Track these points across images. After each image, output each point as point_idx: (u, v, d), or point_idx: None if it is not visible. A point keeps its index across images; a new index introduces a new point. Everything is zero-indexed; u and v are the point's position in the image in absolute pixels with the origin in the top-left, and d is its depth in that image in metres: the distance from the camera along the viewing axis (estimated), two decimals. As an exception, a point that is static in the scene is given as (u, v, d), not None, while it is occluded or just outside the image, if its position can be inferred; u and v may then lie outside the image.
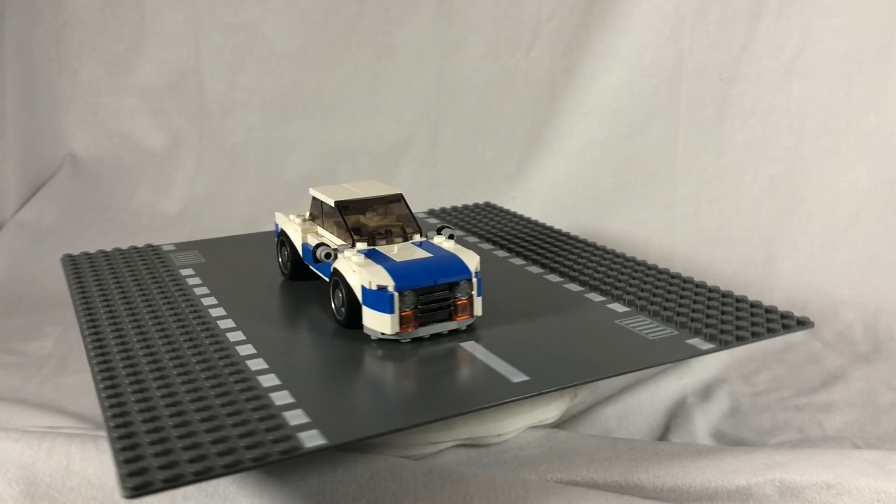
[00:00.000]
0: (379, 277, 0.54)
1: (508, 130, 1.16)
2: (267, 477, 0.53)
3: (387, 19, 1.20)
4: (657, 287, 0.66)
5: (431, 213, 0.91)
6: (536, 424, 0.62)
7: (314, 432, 0.43)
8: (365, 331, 0.56)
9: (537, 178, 1.12)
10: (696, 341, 0.56)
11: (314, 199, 0.66)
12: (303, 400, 0.47)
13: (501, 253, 0.76)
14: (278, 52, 1.23)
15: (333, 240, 0.62)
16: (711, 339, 0.57)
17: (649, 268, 0.71)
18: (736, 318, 0.59)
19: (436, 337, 0.56)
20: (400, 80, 1.21)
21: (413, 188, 1.15)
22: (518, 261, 0.74)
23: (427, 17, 1.18)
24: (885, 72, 0.97)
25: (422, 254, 0.58)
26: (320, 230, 0.66)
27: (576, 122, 1.10)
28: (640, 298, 0.63)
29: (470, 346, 0.55)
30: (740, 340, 0.57)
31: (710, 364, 0.77)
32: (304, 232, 0.66)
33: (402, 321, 0.54)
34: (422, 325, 0.55)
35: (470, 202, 0.97)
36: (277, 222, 0.71)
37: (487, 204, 0.95)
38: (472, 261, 0.57)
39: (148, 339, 0.55)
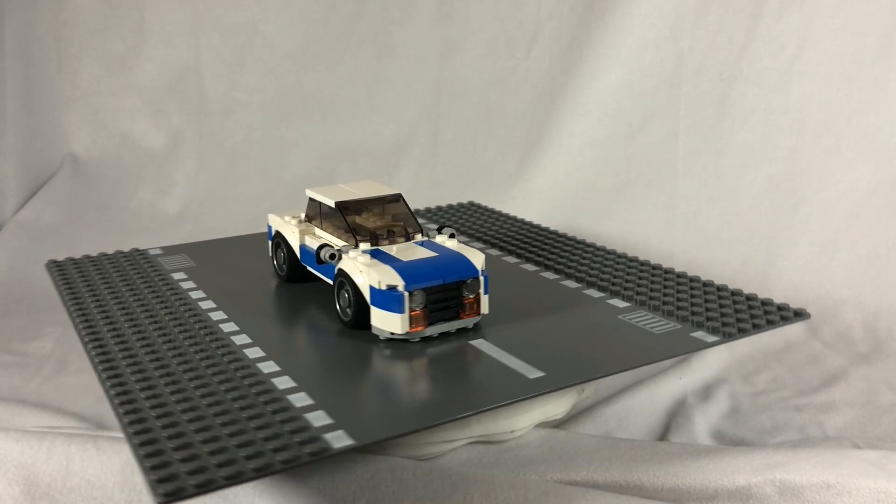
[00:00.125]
0: (388, 277, 0.54)
1: (508, 130, 1.16)
2: (267, 477, 0.53)
3: (387, 19, 1.20)
4: (653, 282, 0.67)
5: (416, 213, 0.91)
6: (546, 420, 0.62)
7: (340, 433, 0.43)
8: (373, 331, 0.56)
9: (537, 178, 1.12)
10: (700, 334, 0.57)
11: (311, 200, 0.66)
12: (322, 401, 0.47)
13: (493, 251, 0.77)
14: (278, 52, 1.23)
15: (334, 241, 0.62)
16: (715, 331, 0.57)
17: (642, 263, 0.71)
18: (735, 311, 0.60)
19: (443, 335, 0.56)
20: (400, 80, 1.21)
21: (413, 188, 1.15)
22: (511, 259, 0.75)
23: (427, 17, 1.19)
24: (885, 72, 0.97)
25: (427, 253, 0.58)
26: (318, 231, 0.65)
27: (576, 122, 1.10)
28: (638, 294, 0.64)
29: (479, 343, 0.55)
30: (742, 332, 0.57)
31: (710, 364, 0.78)
32: (302, 233, 0.66)
33: (412, 320, 0.54)
34: (430, 323, 0.55)
35: (470, 202, 0.97)
36: (271, 224, 0.70)
37: (472, 203, 0.95)
38: (478, 259, 0.57)
39: (151, 344, 0.55)
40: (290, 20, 1.22)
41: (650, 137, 1.08)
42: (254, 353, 0.54)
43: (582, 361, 0.53)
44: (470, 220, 0.88)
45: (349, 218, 0.61)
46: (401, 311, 0.54)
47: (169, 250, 0.77)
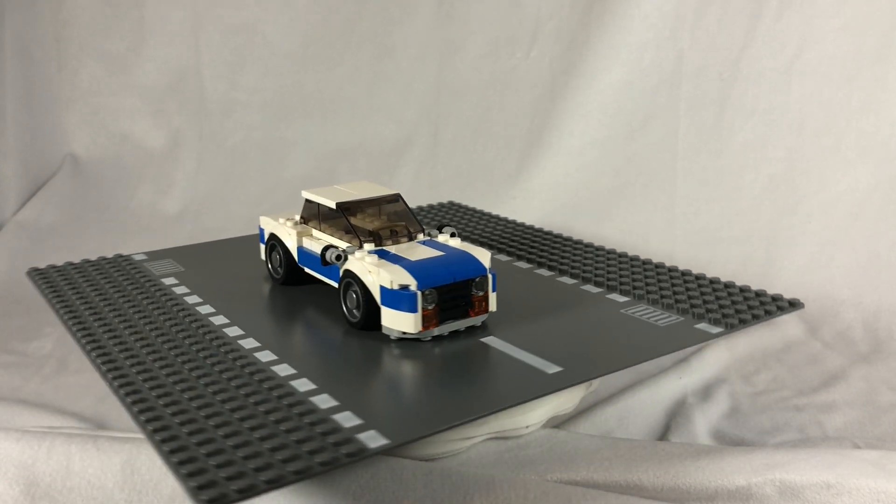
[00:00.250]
0: (400, 277, 0.54)
1: (508, 130, 1.16)
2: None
3: (387, 19, 1.20)
4: (647, 277, 0.67)
5: None
6: (557, 414, 0.63)
7: (372, 433, 0.43)
8: (384, 331, 0.56)
9: (537, 178, 1.12)
10: (704, 326, 0.58)
11: (307, 201, 0.66)
12: (347, 402, 0.46)
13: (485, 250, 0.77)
14: (278, 52, 1.23)
15: (335, 242, 0.62)
16: (717, 322, 0.58)
17: (633, 259, 0.72)
18: (732, 303, 0.61)
19: (453, 334, 0.56)
20: (400, 80, 1.21)
21: (413, 188, 1.15)
22: (503, 257, 0.75)
23: (427, 17, 1.19)
24: (885, 72, 0.97)
25: (433, 252, 0.58)
26: (316, 233, 0.65)
27: (576, 122, 1.10)
28: (636, 288, 0.65)
29: (490, 341, 0.56)
30: (743, 323, 0.58)
31: (710, 364, 0.77)
32: (300, 235, 0.65)
33: (424, 319, 0.54)
34: (441, 322, 0.55)
35: (470, 202, 0.97)
36: (263, 226, 0.70)
37: (451, 203, 0.95)
38: (485, 257, 0.58)
39: (157, 351, 0.54)
40: (290, 20, 1.22)
41: (650, 137, 1.08)
42: (265, 356, 0.53)
43: (597, 355, 0.54)
44: (454, 219, 0.88)
45: (351, 219, 0.61)
46: (414, 310, 0.54)
47: (153, 255, 0.76)
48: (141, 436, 0.61)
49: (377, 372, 0.53)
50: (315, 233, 0.65)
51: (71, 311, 0.61)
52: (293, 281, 0.67)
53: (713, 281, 0.66)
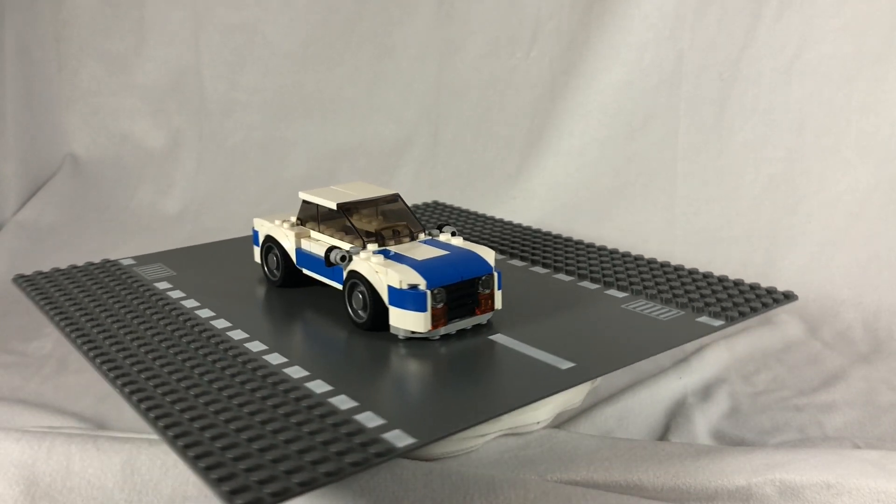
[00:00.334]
0: (409, 276, 0.54)
1: (508, 130, 1.16)
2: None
3: (387, 19, 1.20)
4: (642, 272, 0.68)
5: None
6: (565, 409, 0.63)
7: (397, 432, 0.43)
8: (392, 330, 0.56)
9: (537, 178, 1.12)
10: (705, 319, 0.58)
11: (305, 202, 0.65)
12: (366, 402, 0.46)
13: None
14: (278, 52, 1.23)
15: (336, 243, 0.62)
16: (717, 315, 0.58)
17: (624, 255, 0.73)
18: (729, 297, 0.62)
19: (460, 332, 0.57)
20: (400, 80, 1.21)
21: (413, 188, 1.15)
22: (497, 255, 0.75)
23: (427, 17, 1.19)
24: (885, 72, 0.97)
25: (438, 251, 0.58)
26: (314, 234, 0.64)
27: (576, 122, 1.10)
28: (633, 284, 0.65)
29: (498, 338, 0.56)
30: (743, 315, 0.58)
31: (710, 364, 0.77)
32: (298, 237, 0.65)
33: (433, 318, 0.54)
34: (449, 321, 0.56)
35: (470, 202, 0.97)
36: (258, 228, 0.69)
37: (436, 202, 0.95)
38: (489, 255, 0.58)
39: (163, 356, 0.52)
40: (290, 20, 1.22)
41: (650, 137, 1.08)
42: (275, 359, 0.52)
43: (606, 350, 0.54)
44: (440, 219, 0.88)
45: (351, 219, 0.61)
46: (423, 309, 0.54)
47: (142, 260, 0.74)
48: (140, 436, 0.61)
49: (390, 371, 0.52)
50: (314, 234, 0.65)
51: (67, 318, 0.60)
52: (290, 283, 0.67)
53: (706, 275, 0.67)
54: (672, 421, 0.68)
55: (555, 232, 0.82)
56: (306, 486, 0.38)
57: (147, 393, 0.47)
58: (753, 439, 0.66)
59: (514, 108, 1.16)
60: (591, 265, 0.70)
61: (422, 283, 0.54)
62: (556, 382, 0.49)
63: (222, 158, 1.24)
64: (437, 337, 0.56)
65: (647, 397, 0.71)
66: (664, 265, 0.70)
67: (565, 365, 0.51)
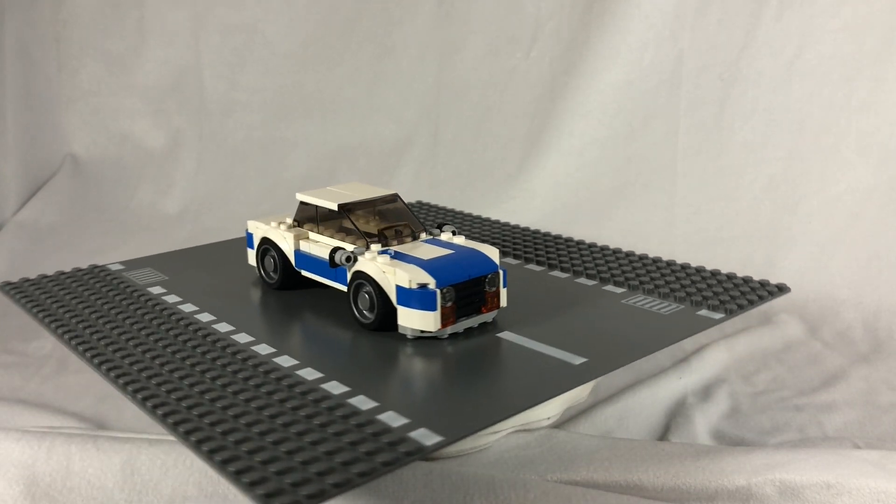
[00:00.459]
0: (418, 276, 0.54)
1: (508, 130, 1.16)
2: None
3: (387, 19, 1.20)
4: (635, 267, 0.68)
5: None
6: (573, 405, 0.64)
7: (423, 431, 0.42)
8: (400, 330, 0.56)
9: (537, 178, 1.12)
10: (705, 312, 0.59)
11: (303, 203, 0.65)
12: (386, 402, 0.46)
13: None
14: (278, 52, 1.23)
15: (337, 243, 0.62)
16: (716, 308, 0.59)
17: (615, 251, 0.73)
18: (724, 290, 0.62)
19: (467, 331, 0.57)
20: (400, 80, 1.21)
21: (413, 188, 1.15)
22: None
23: (427, 17, 1.19)
24: (885, 72, 0.97)
25: (443, 251, 0.58)
26: (313, 235, 0.64)
27: (576, 122, 1.11)
28: (628, 279, 0.65)
29: (506, 335, 0.56)
30: (741, 308, 0.59)
31: (710, 364, 0.77)
32: (296, 238, 0.64)
33: (443, 317, 0.54)
34: (457, 319, 0.56)
35: (470, 202, 0.97)
36: (252, 230, 0.68)
37: (420, 202, 0.95)
38: (493, 254, 0.58)
39: (170, 361, 0.51)
40: (290, 20, 1.22)
41: (650, 137, 1.08)
42: (285, 361, 0.52)
43: (615, 345, 0.54)
44: (426, 218, 0.87)
45: (353, 220, 0.61)
46: (433, 308, 0.54)
47: (131, 265, 0.72)
48: (140, 436, 0.61)
49: (403, 371, 0.52)
50: (313, 235, 0.64)
51: (63, 325, 0.58)
52: (288, 285, 0.66)
53: (699, 270, 0.67)
54: (672, 421, 0.68)
55: (554, 232, 0.82)
56: (341, 487, 0.37)
57: (161, 399, 0.46)
58: (753, 439, 0.66)
59: (514, 108, 1.16)
60: (584, 262, 0.71)
61: (431, 283, 0.54)
62: (572, 377, 0.49)
63: (222, 158, 1.24)
64: (446, 336, 0.56)
65: (647, 397, 0.71)
66: (656, 260, 0.70)
67: (577, 360, 0.51)
